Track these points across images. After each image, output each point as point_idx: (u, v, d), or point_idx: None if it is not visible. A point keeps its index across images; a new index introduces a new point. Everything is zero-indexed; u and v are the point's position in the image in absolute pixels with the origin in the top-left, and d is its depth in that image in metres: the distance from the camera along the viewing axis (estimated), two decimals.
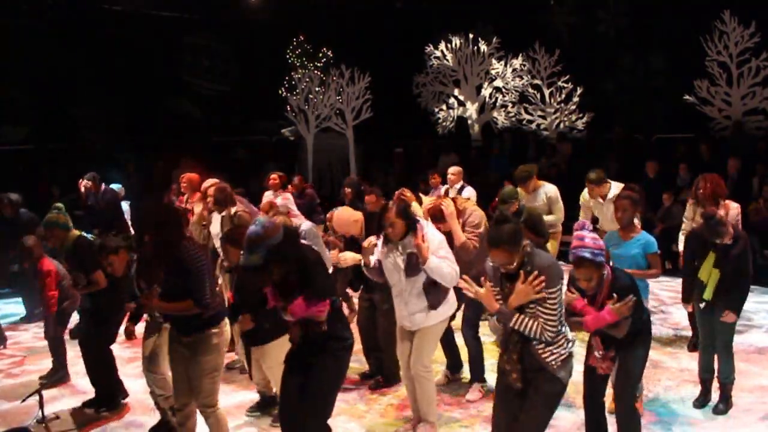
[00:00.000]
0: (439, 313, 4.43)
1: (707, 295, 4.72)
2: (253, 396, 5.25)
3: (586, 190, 6.61)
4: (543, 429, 3.46)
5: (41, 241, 5.78)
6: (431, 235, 4.34)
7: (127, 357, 6.34)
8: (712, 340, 4.86)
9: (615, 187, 6.36)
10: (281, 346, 4.19)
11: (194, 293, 3.84)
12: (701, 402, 4.97)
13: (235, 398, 5.33)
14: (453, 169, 8.16)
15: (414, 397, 4.60)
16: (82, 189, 8.44)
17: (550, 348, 3.39)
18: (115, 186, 9.10)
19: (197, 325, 3.94)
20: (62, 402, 5.43)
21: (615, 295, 3.63)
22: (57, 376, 5.78)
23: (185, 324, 3.95)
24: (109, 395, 5.24)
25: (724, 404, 4.87)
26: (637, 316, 3.77)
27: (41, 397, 4.99)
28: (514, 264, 3.35)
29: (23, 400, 5.10)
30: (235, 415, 4.99)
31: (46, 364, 6.39)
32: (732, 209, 5.69)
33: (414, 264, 4.27)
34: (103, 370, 5.21)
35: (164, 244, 3.86)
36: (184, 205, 7.31)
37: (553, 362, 3.39)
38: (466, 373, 5.55)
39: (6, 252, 7.73)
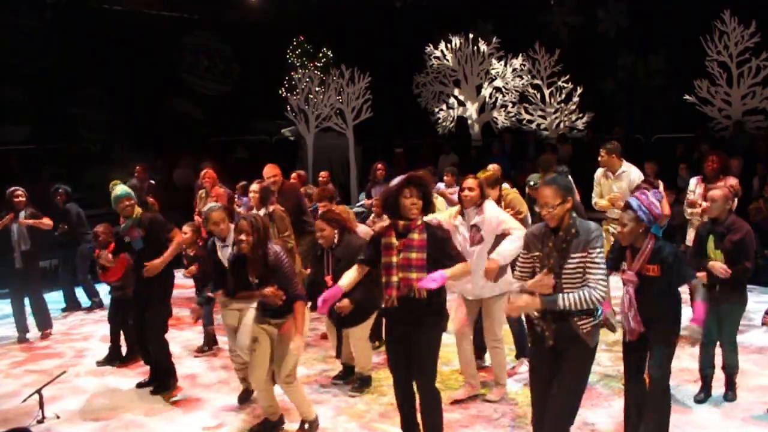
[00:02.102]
0: (496, 286, 4.84)
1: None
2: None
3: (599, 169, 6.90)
4: (577, 399, 3.64)
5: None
6: (491, 213, 4.85)
7: None
8: (715, 336, 4.94)
9: (627, 167, 6.63)
10: (364, 327, 5.30)
11: (285, 288, 4.37)
12: (702, 397, 5.02)
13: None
14: (491, 167, 8.27)
15: (468, 362, 5.11)
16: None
17: (583, 315, 3.53)
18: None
19: (285, 310, 4.42)
20: (62, 402, 5.42)
21: (658, 264, 3.83)
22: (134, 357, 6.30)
23: (277, 309, 4.42)
24: (165, 375, 5.63)
25: (732, 391, 5.01)
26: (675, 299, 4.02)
27: (41, 397, 5.00)
28: (557, 209, 3.50)
29: (23, 400, 5.11)
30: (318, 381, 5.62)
31: (47, 363, 6.40)
32: (731, 180, 6.05)
33: (475, 236, 4.81)
34: (158, 352, 5.59)
35: (257, 244, 4.37)
36: (202, 199, 7.71)
37: (584, 328, 3.54)
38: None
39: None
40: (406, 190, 3.87)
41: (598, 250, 3.49)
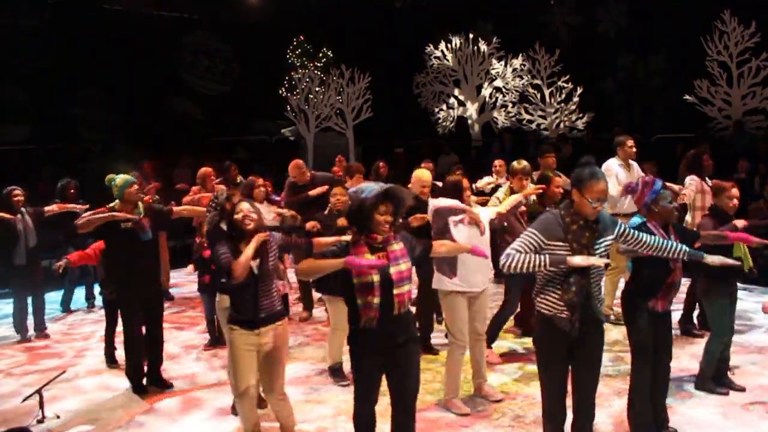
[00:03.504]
0: (487, 278, 5.04)
1: (749, 263, 4.94)
2: None
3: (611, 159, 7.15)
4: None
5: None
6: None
7: None
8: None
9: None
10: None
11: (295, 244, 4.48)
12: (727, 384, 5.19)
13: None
14: (498, 162, 8.43)
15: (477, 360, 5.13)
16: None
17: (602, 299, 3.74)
18: None
19: (280, 313, 4.22)
20: (62, 402, 5.42)
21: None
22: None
23: (272, 314, 4.15)
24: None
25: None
26: None
27: (41, 397, 4.99)
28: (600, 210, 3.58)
29: (23, 400, 5.11)
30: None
31: (47, 363, 6.40)
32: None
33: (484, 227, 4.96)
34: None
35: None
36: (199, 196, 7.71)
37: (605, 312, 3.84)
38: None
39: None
40: (382, 206, 3.53)
41: (621, 224, 3.72)
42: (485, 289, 5.01)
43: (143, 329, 5.53)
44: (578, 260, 3.44)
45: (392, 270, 3.56)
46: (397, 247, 3.64)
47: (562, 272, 3.53)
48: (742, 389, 5.15)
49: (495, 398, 5.11)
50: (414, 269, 4.15)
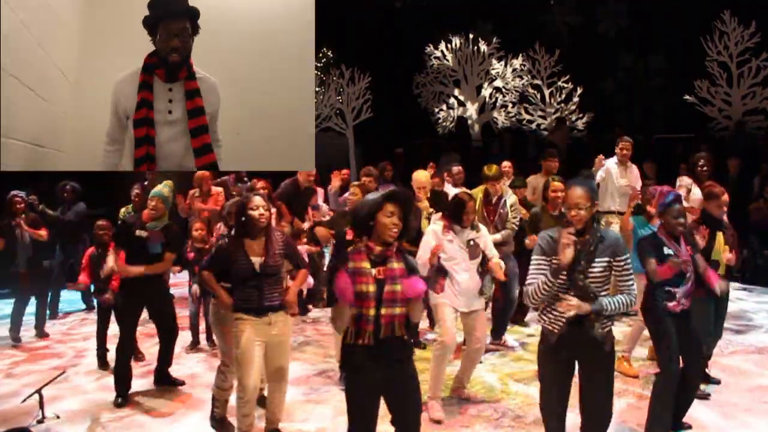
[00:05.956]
0: (480, 298, 5.00)
1: (722, 270, 4.89)
2: None
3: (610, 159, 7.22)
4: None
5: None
6: (485, 230, 5.06)
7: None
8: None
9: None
10: None
11: (297, 260, 4.56)
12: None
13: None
14: (506, 163, 8.43)
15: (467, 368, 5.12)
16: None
17: (605, 320, 3.48)
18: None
19: (281, 304, 4.29)
20: (62, 402, 5.42)
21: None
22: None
23: (278, 304, 4.26)
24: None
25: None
26: None
27: (41, 397, 5.00)
28: (586, 211, 3.39)
29: (23, 400, 5.11)
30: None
31: (47, 364, 6.40)
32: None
33: (476, 250, 4.89)
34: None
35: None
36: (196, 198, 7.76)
37: (601, 333, 3.49)
38: None
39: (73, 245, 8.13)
40: (388, 206, 3.18)
41: (626, 257, 3.46)
42: (477, 311, 4.94)
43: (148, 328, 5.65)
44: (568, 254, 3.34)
45: (383, 288, 3.18)
46: (397, 266, 3.23)
47: (563, 290, 3.43)
48: (717, 382, 5.18)
49: (477, 399, 5.11)
50: None
